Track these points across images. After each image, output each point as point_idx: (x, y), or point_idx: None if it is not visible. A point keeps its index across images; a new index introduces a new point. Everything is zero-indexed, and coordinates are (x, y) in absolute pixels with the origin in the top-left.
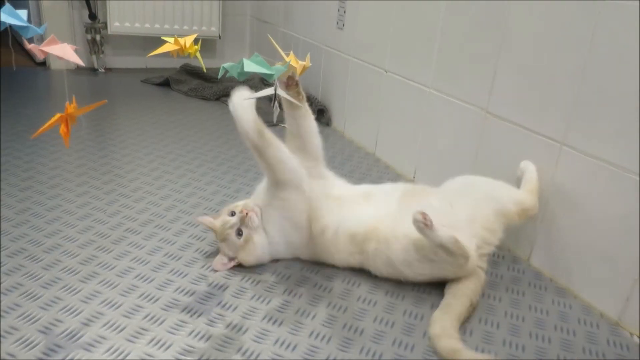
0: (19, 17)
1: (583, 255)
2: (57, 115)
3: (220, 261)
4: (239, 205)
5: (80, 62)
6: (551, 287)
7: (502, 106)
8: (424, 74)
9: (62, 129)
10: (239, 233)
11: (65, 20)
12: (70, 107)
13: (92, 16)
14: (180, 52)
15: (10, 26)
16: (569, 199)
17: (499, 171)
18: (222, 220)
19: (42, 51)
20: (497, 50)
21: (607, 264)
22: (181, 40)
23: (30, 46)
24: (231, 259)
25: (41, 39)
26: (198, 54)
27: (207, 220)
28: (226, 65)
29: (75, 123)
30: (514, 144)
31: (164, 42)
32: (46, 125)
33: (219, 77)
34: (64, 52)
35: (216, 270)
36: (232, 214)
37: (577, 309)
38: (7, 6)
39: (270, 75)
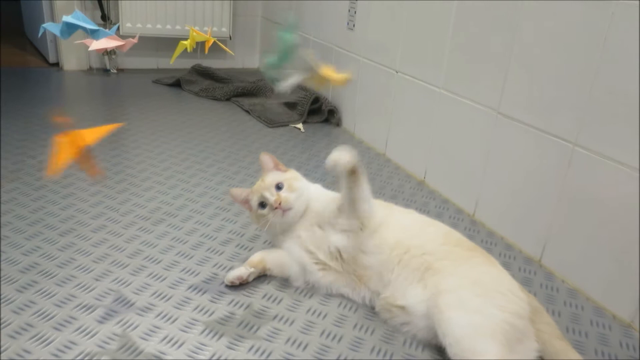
0: (89, 22)
1: (595, 256)
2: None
3: (238, 194)
4: (292, 184)
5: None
6: (563, 289)
7: (513, 107)
8: (435, 75)
9: None
10: (262, 205)
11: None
12: None
13: (105, 17)
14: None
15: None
16: (581, 199)
17: (510, 172)
18: (269, 181)
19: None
20: (509, 50)
21: (619, 265)
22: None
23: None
24: (245, 203)
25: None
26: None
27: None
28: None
29: None
30: (526, 145)
31: (178, 43)
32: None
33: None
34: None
35: (229, 195)
36: (278, 187)
37: (589, 310)
38: (77, 12)
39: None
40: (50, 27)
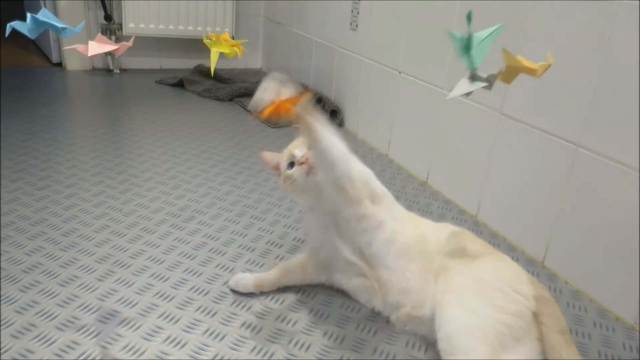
0: (56, 20)
1: (599, 257)
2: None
3: (270, 158)
4: (296, 155)
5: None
6: (566, 290)
7: (516, 108)
8: (438, 75)
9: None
10: (291, 165)
11: (82, 21)
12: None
13: (108, 17)
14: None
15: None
16: (585, 201)
17: (513, 173)
18: (284, 169)
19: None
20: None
21: (623, 266)
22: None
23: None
24: (275, 168)
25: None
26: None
27: (268, 158)
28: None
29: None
30: (529, 146)
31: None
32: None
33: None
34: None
35: (261, 159)
36: (292, 165)
37: (593, 312)
38: (44, 10)
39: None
40: (18, 25)
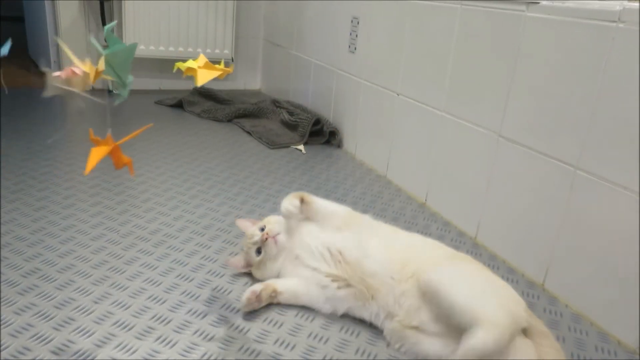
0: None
1: (599, 280)
2: (104, 148)
3: (236, 262)
4: (271, 221)
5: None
6: (567, 313)
7: (515, 130)
8: (436, 97)
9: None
10: (258, 251)
11: (82, 42)
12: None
13: None
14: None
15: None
16: (584, 223)
17: (512, 195)
18: (252, 231)
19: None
20: (510, 73)
21: (624, 289)
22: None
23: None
24: (247, 265)
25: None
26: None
27: (243, 224)
28: None
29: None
30: (528, 168)
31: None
32: (94, 160)
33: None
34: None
35: (228, 266)
36: (262, 229)
37: (594, 336)
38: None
39: None
40: None
